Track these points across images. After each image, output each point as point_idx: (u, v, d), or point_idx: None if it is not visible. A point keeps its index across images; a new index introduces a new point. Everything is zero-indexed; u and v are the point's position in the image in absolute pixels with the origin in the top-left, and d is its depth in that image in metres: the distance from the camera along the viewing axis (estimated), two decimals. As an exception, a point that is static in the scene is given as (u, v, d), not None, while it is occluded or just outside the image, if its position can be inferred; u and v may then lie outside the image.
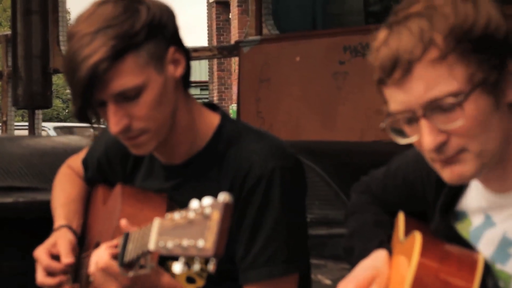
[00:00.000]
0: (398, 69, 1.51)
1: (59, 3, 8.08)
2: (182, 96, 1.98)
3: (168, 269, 1.92)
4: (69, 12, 24.31)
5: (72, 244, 2.12)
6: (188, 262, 1.58)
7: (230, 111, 16.65)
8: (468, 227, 1.67)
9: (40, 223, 2.49)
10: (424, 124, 1.52)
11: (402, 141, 1.58)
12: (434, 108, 1.51)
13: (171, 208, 1.99)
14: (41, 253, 2.10)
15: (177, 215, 1.61)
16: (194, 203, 1.58)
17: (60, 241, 2.12)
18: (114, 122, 1.88)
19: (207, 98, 21.13)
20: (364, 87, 5.88)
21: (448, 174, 1.56)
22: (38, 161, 3.39)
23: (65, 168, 2.36)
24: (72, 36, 1.88)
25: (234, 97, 18.91)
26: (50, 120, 21.89)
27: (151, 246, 1.68)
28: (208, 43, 20.76)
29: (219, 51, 7.52)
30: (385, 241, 1.78)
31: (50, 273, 2.10)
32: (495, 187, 1.62)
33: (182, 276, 1.98)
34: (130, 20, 1.86)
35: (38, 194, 3.14)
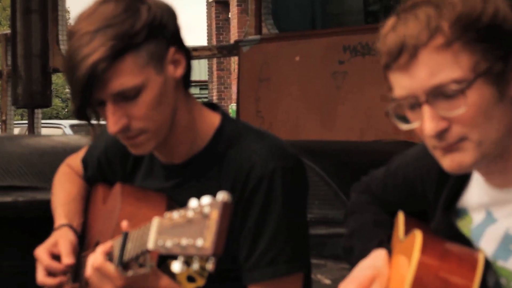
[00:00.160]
0: (404, 53, 1.53)
1: (58, 2, 8.08)
2: (182, 96, 1.98)
3: (168, 268, 1.92)
4: (68, 11, 24.32)
5: (73, 244, 2.12)
6: (188, 261, 1.58)
7: (230, 111, 16.65)
8: (469, 225, 1.68)
9: (39, 223, 2.49)
10: (426, 110, 1.53)
11: (405, 126, 1.59)
12: (437, 94, 1.52)
13: (170, 207, 1.99)
14: (42, 252, 2.10)
15: (176, 214, 1.61)
16: (193, 202, 1.58)
17: (61, 240, 2.12)
18: (113, 121, 1.88)
19: (206, 98, 21.12)
20: (363, 87, 5.88)
21: (448, 162, 1.56)
22: (38, 160, 3.39)
23: (64, 167, 2.36)
24: (73, 34, 1.89)
25: (234, 96, 18.91)
26: (49, 119, 21.89)
27: (150, 245, 1.68)
28: (208, 43, 20.75)
29: (219, 50, 7.52)
30: (385, 241, 1.78)
31: (50, 273, 2.10)
32: (497, 182, 1.62)
33: (183, 275, 1.98)
34: (131, 20, 1.86)
35: (37, 193, 3.14)
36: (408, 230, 1.73)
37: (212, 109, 2.05)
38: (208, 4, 21.55)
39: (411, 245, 1.61)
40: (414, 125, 1.57)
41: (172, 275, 1.91)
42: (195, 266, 1.57)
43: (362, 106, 5.91)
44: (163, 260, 1.93)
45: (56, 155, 3.27)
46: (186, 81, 1.98)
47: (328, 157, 4.03)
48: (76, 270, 2.13)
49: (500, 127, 1.55)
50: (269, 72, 6.52)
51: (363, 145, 4.93)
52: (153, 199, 2.03)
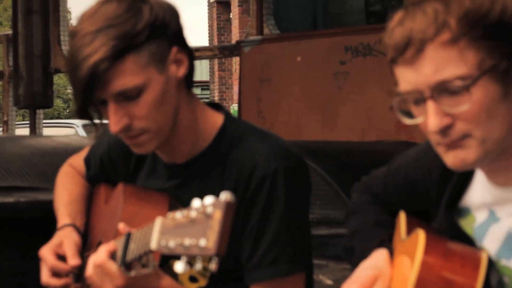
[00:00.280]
0: (411, 48, 1.52)
1: (60, 2, 8.09)
2: (185, 95, 1.98)
3: (170, 268, 1.92)
4: (70, 12, 24.31)
5: (77, 245, 2.12)
6: (190, 261, 1.58)
7: (231, 111, 16.63)
8: (472, 224, 1.68)
9: (41, 223, 2.49)
10: (430, 105, 1.53)
11: (409, 121, 1.59)
12: (442, 90, 1.52)
13: (173, 207, 1.99)
14: (47, 253, 2.10)
15: (179, 214, 1.61)
16: (196, 202, 1.58)
17: (66, 241, 2.12)
18: (114, 121, 1.88)
19: (208, 98, 21.12)
20: (365, 87, 5.89)
21: (451, 159, 1.56)
22: (39, 161, 3.39)
23: (67, 167, 2.36)
24: (75, 34, 1.89)
25: (235, 97, 18.91)
26: (51, 119, 21.89)
27: (153, 245, 1.68)
28: (209, 43, 20.75)
29: (220, 51, 7.53)
30: (386, 241, 1.78)
31: (55, 273, 2.10)
32: (500, 180, 1.62)
33: (185, 275, 1.98)
34: (132, 20, 1.86)
35: (39, 194, 3.14)
36: (410, 229, 1.73)
37: (215, 109, 2.05)
38: (210, 4, 21.56)
39: (413, 245, 1.61)
40: (418, 120, 1.57)
41: (175, 275, 1.91)
42: (198, 266, 1.57)
43: (364, 107, 5.91)
44: (166, 260, 1.93)
45: (57, 156, 3.27)
46: (188, 80, 1.98)
47: (329, 157, 4.03)
48: (79, 270, 2.13)
49: (503, 124, 1.55)
50: (270, 72, 6.52)
51: (364, 145, 4.93)
52: (155, 199, 2.03)
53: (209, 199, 1.56)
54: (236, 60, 16.00)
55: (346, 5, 8.97)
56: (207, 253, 1.53)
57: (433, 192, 1.75)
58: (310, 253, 2.02)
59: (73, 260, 2.08)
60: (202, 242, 1.53)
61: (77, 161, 2.33)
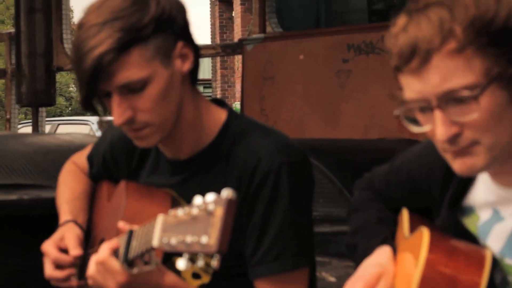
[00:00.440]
0: (416, 57, 1.51)
1: (62, 1, 8.09)
2: (189, 91, 1.98)
3: (173, 265, 1.92)
4: (72, 10, 24.31)
5: (79, 237, 2.13)
6: (192, 258, 1.58)
7: (234, 109, 16.61)
8: (476, 222, 1.67)
9: (44, 221, 2.49)
10: (438, 115, 1.52)
11: (416, 129, 1.58)
12: (449, 99, 1.51)
13: (175, 204, 1.99)
14: (49, 246, 2.11)
15: (180, 212, 1.61)
16: (197, 199, 1.58)
17: (68, 234, 2.12)
18: (118, 113, 1.89)
19: (210, 96, 21.01)
20: (367, 85, 5.88)
21: (459, 166, 1.56)
22: (42, 159, 3.39)
23: (69, 164, 2.36)
24: (81, 26, 1.89)
25: (237, 95, 18.91)
26: (53, 117, 21.90)
27: (155, 242, 1.68)
28: (211, 41, 20.74)
29: (223, 49, 7.52)
30: (389, 238, 1.77)
31: (58, 266, 2.10)
32: (504, 181, 1.62)
33: (188, 272, 1.99)
34: (139, 13, 1.86)
35: (42, 191, 3.13)
36: (413, 227, 1.73)
37: (218, 105, 2.06)
38: (212, 3, 21.55)
39: (417, 242, 1.61)
40: (425, 128, 1.56)
41: (177, 272, 1.91)
42: (200, 263, 1.57)
43: (366, 104, 5.91)
44: (168, 257, 1.93)
45: (60, 153, 3.27)
46: (193, 76, 1.98)
47: (332, 155, 4.04)
48: (82, 267, 2.14)
49: (511, 129, 1.54)
50: (273, 70, 6.52)
51: (367, 143, 4.93)
52: (157, 196, 2.03)
53: (210, 196, 1.56)
54: (238, 58, 16.00)
55: (349, 3, 8.97)
56: (209, 250, 1.53)
57: (436, 190, 1.75)
58: (314, 249, 2.02)
59: (75, 251, 2.08)
60: (204, 239, 1.53)
61: (80, 158, 2.33)
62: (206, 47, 7.53)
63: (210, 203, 1.55)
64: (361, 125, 5.91)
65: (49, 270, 2.10)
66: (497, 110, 1.51)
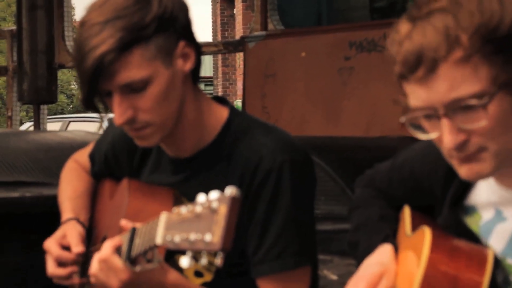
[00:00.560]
0: (422, 66, 1.50)
1: (64, -2, 8.07)
2: (190, 90, 1.97)
3: (175, 263, 1.92)
4: (74, 8, 24.31)
5: (81, 235, 2.13)
6: (196, 256, 1.58)
7: (235, 107, 16.60)
8: (478, 221, 1.67)
9: (46, 218, 2.49)
10: (445, 123, 1.51)
11: (422, 136, 1.57)
12: (457, 107, 1.50)
13: (178, 202, 1.99)
14: (51, 244, 2.11)
15: (184, 209, 1.61)
16: (201, 197, 1.58)
17: (70, 232, 2.12)
18: (119, 113, 1.89)
19: (211, 94, 21.09)
20: (369, 83, 5.87)
21: (465, 171, 1.55)
22: (44, 156, 3.39)
23: (71, 162, 2.36)
24: (83, 24, 1.89)
25: (239, 92, 18.91)
26: (54, 114, 21.90)
27: (158, 240, 1.68)
28: (213, 39, 20.74)
29: (225, 46, 7.50)
30: (391, 236, 1.77)
31: (60, 264, 2.10)
32: (507, 183, 1.62)
33: (190, 270, 1.98)
34: (141, 12, 1.86)
35: (44, 189, 3.14)
36: (414, 225, 1.73)
37: (220, 103, 2.05)
38: (213, 0, 21.54)
39: (419, 241, 1.61)
40: (431, 135, 1.55)
41: (180, 270, 1.91)
42: (203, 261, 1.57)
43: (368, 102, 5.90)
44: (171, 255, 1.93)
45: (62, 151, 3.27)
46: (195, 75, 1.97)
47: (333, 152, 4.04)
48: (84, 265, 2.14)
49: None
50: (275, 68, 6.51)
51: (369, 140, 4.93)
52: (160, 194, 2.03)
53: (214, 194, 1.56)
54: (239, 56, 15.98)
55: (350, 1, 8.96)
56: (213, 248, 1.53)
57: (438, 188, 1.74)
58: (316, 246, 2.02)
59: (77, 248, 2.08)
60: (208, 237, 1.53)
61: (82, 156, 2.33)
62: (207, 44, 7.52)
63: (214, 200, 1.55)
64: (363, 122, 5.90)
65: (51, 268, 2.10)
66: (504, 117, 1.51)
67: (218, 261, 1.55)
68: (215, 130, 2.00)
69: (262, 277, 1.94)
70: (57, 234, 2.14)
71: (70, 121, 13.18)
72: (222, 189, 1.58)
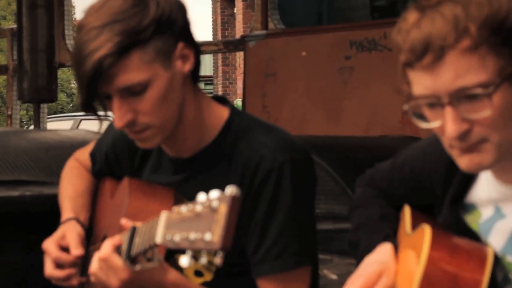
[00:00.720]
0: (429, 54, 1.51)
1: (64, -3, 8.07)
2: (190, 90, 1.97)
3: (175, 263, 1.91)
4: (74, 7, 24.31)
5: (81, 236, 2.12)
6: (196, 256, 1.58)
7: (235, 106, 16.60)
8: (478, 219, 1.67)
9: (46, 217, 2.49)
10: (449, 111, 1.52)
11: (423, 125, 1.57)
12: (461, 96, 1.51)
13: (178, 201, 1.99)
14: (50, 245, 2.10)
15: (184, 208, 1.61)
16: (201, 196, 1.58)
17: (69, 233, 2.12)
18: (119, 116, 1.88)
19: (211, 93, 21.10)
20: (370, 82, 5.87)
21: (466, 162, 1.56)
22: (44, 155, 3.38)
23: (72, 161, 2.36)
24: (81, 28, 1.89)
25: (239, 91, 18.91)
26: (54, 113, 21.91)
27: (158, 239, 1.68)
28: (213, 38, 20.75)
29: (225, 45, 7.50)
30: (391, 235, 1.77)
31: (59, 265, 2.10)
32: (507, 178, 1.62)
33: (190, 269, 1.98)
34: (138, 15, 1.86)
35: (44, 188, 3.13)
36: (415, 224, 1.73)
37: (220, 102, 2.05)
38: (214, -1, 21.55)
39: (419, 239, 1.61)
40: (433, 124, 1.55)
41: (180, 270, 1.91)
42: (203, 260, 1.57)
43: (369, 102, 5.90)
44: (171, 254, 1.92)
45: (62, 150, 3.26)
46: (194, 76, 1.97)
47: (334, 152, 4.03)
48: (84, 264, 2.13)
49: None
50: (275, 67, 6.51)
51: (369, 140, 4.93)
52: (160, 193, 2.03)
53: (214, 193, 1.56)
54: (240, 55, 15.98)
55: (351, 0, 8.96)
56: (212, 247, 1.53)
57: (438, 187, 1.74)
58: (316, 247, 2.02)
59: (76, 250, 2.08)
60: (207, 236, 1.53)
61: (83, 155, 2.33)
62: (207, 43, 7.52)
63: (214, 200, 1.55)
64: (363, 122, 5.90)
65: (49, 269, 2.10)
66: (508, 109, 1.51)
67: (218, 260, 1.55)
68: (215, 130, 2.00)
69: (262, 277, 1.94)
70: (56, 234, 2.13)
71: (81, 119, 13.16)
72: (222, 188, 1.58)
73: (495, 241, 1.63)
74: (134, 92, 1.87)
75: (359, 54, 6.00)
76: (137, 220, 1.89)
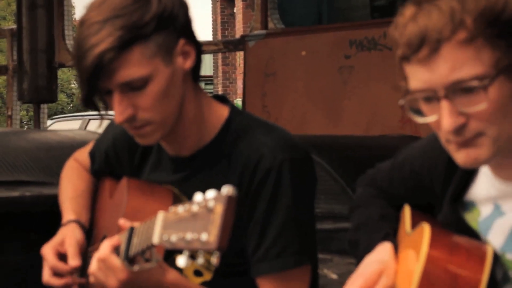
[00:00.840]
0: (426, 47, 1.50)
1: (64, -3, 8.08)
2: (190, 88, 1.97)
3: (175, 263, 1.91)
4: (74, 7, 24.30)
5: (79, 243, 2.12)
6: (193, 255, 1.58)
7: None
8: (477, 217, 1.67)
9: (46, 218, 2.49)
10: (445, 105, 1.51)
11: (420, 120, 1.57)
12: (457, 89, 1.50)
13: (177, 201, 1.99)
14: (48, 251, 2.10)
15: (181, 209, 1.61)
16: (197, 196, 1.58)
17: (68, 240, 2.11)
18: (119, 111, 1.89)
19: (211, 93, 21.00)
20: (369, 82, 5.88)
21: (463, 157, 1.55)
22: (44, 155, 3.38)
23: (72, 161, 2.36)
24: (82, 23, 1.89)
25: (239, 91, 18.91)
26: (54, 114, 21.90)
27: (155, 239, 1.68)
28: (213, 38, 20.75)
29: (225, 45, 7.51)
30: (391, 234, 1.77)
31: (56, 273, 2.09)
32: (506, 175, 1.62)
33: (190, 269, 1.98)
34: (140, 10, 1.86)
35: (44, 188, 3.13)
36: (414, 223, 1.73)
37: (220, 101, 2.05)
38: (214, -1, 21.54)
39: (419, 238, 1.61)
40: (430, 119, 1.55)
41: (179, 270, 1.91)
42: (200, 260, 1.57)
43: (368, 101, 5.90)
44: (170, 254, 1.92)
45: (62, 150, 3.27)
46: (195, 73, 1.97)
47: (334, 151, 4.03)
48: (83, 265, 2.13)
49: None
50: (275, 67, 6.51)
51: (369, 139, 4.93)
52: (159, 193, 2.03)
53: (210, 193, 1.55)
54: (240, 55, 15.98)
55: (351, 0, 8.96)
56: (209, 247, 1.53)
57: (437, 185, 1.74)
58: (316, 246, 2.02)
59: (74, 261, 2.07)
60: (204, 237, 1.53)
61: (83, 155, 2.33)
62: (207, 43, 7.52)
63: (210, 200, 1.54)
64: (363, 121, 5.91)
65: (47, 276, 2.09)
66: (504, 102, 1.51)
67: (215, 260, 1.54)
68: (215, 128, 2.00)
69: (262, 276, 1.94)
70: (56, 239, 2.13)
71: (90, 119, 13.15)
72: (222, 187, 1.58)
73: (495, 239, 1.62)
74: (135, 87, 1.87)
75: (359, 54, 6.00)
76: (136, 220, 1.89)
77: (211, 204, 1.54)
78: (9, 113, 8.81)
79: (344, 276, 1.75)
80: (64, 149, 3.23)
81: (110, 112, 1.95)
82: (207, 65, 22.27)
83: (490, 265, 1.55)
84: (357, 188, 2.00)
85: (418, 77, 1.54)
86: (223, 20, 21.02)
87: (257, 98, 6.58)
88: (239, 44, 7.11)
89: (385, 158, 1.95)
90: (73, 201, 2.22)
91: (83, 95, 1.91)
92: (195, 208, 1.56)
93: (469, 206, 1.70)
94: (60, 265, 2.08)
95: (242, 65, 7.30)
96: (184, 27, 1.92)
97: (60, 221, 2.20)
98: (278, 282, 1.94)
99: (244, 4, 18.79)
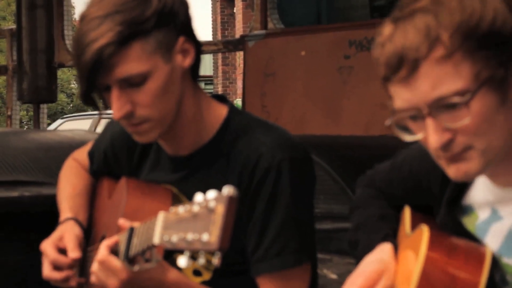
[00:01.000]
0: (404, 67, 1.49)
1: (64, -3, 8.07)
2: (189, 86, 1.97)
3: (174, 262, 1.91)
4: (73, 7, 24.30)
5: (78, 238, 2.12)
6: (194, 256, 1.58)
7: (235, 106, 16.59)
8: (475, 221, 1.67)
9: (45, 218, 2.49)
10: (430, 122, 1.51)
11: (408, 138, 1.56)
12: (440, 106, 1.49)
13: (176, 200, 1.99)
14: (48, 246, 2.10)
15: (181, 209, 1.61)
16: (198, 197, 1.58)
17: (67, 235, 2.12)
18: (117, 107, 1.89)
19: (211, 93, 20.99)
20: (369, 81, 5.87)
21: (453, 171, 1.55)
22: (44, 155, 3.39)
23: (70, 161, 2.36)
24: (82, 19, 1.89)
25: (239, 91, 18.91)
26: (54, 114, 21.89)
27: (156, 240, 1.68)
28: (213, 38, 20.75)
29: (225, 45, 7.50)
30: (390, 235, 1.77)
31: (57, 267, 2.10)
32: (501, 181, 1.61)
33: (189, 269, 1.98)
34: (141, 6, 1.86)
35: (43, 188, 3.13)
36: (414, 224, 1.73)
37: (219, 101, 2.05)
38: (213, -1, 21.54)
39: (418, 240, 1.61)
40: (417, 136, 1.54)
41: (178, 269, 1.91)
42: (201, 260, 1.57)
43: (368, 101, 5.90)
44: (170, 254, 1.92)
45: (61, 150, 3.27)
46: (194, 72, 1.98)
47: (333, 151, 4.03)
48: (82, 265, 2.13)
49: (503, 131, 1.52)
50: (274, 67, 6.51)
51: (368, 139, 4.92)
52: (158, 193, 2.03)
53: (211, 194, 1.55)
54: (239, 55, 15.99)
55: (350, 0, 8.96)
56: (210, 248, 1.53)
57: (436, 187, 1.74)
58: (315, 245, 2.02)
59: (73, 253, 2.08)
60: (205, 237, 1.53)
61: (81, 155, 2.33)
62: (207, 43, 7.52)
63: (211, 200, 1.54)
64: (362, 121, 5.90)
65: (47, 271, 2.09)
66: (489, 113, 1.50)
67: (216, 260, 1.54)
68: (214, 127, 2.00)
69: (261, 275, 1.94)
70: (55, 235, 2.13)
71: (101, 118, 13.13)
72: (221, 187, 1.57)
73: (492, 242, 1.62)
74: (133, 83, 1.87)
75: (359, 54, 6.00)
76: (135, 220, 1.89)
77: (212, 204, 1.54)
78: (9, 113, 8.81)
79: (344, 276, 1.75)
80: (64, 149, 3.23)
81: None
82: (207, 65, 22.27)
83: (489, 267, 1.54)
84: (356, 189, 2.00)
85: (401, 96, 1.53)
86: (223, 20, 21.03)
87: (257, 98, 6.58)
88: (238, 44, 7.11)
89: (384, 158, 1.94)
90: (71, 200, 2.23)
91: (82, 91, 1.91)
92: (196, 208, 1.56)
93: (468, 210, 1.69)
94: (61, 258, 2.08)
95: (241, 65, 7.30)
96: (184, 25, 1.93)
97: (58, 221, 2.20)
98: (278, 281, 1.94)
99: (244, 4, 18.80)
